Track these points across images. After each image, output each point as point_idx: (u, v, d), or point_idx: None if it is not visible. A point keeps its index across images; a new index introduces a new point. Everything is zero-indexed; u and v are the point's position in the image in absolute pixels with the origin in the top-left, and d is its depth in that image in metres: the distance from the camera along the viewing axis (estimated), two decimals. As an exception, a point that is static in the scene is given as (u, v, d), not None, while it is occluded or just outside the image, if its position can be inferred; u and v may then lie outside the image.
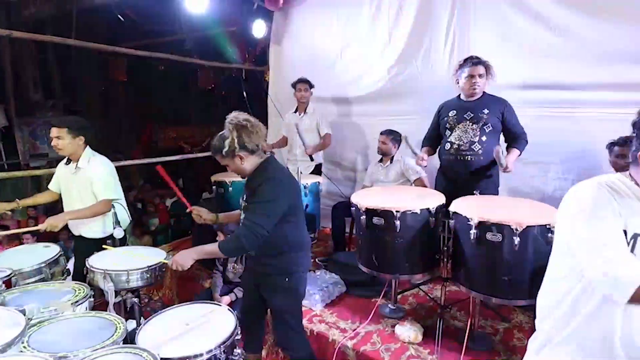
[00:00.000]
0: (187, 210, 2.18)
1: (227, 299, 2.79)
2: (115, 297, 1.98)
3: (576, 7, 2.81)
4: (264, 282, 1.97)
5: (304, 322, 2.53)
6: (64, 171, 2.63)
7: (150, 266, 1.98)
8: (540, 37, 2.97)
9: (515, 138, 2.63)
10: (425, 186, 3.25)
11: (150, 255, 2.11)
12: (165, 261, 1.99)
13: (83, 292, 1.84)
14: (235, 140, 1.75)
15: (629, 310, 1.06)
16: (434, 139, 2.87)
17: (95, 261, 2.02)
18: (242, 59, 5.29)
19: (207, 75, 7.10)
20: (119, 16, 4.58)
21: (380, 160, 3.54)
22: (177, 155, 4.70)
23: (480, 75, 2.55)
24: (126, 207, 2.69)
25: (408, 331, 2.33)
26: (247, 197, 1.85)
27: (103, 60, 7.73)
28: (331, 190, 4.27)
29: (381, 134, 3.46)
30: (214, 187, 3.45)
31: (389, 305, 2.65)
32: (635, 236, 1.03)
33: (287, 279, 1.90)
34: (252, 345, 2.23)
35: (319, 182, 3.42)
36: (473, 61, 2.58)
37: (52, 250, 2.35)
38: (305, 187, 3.19)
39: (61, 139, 2.44)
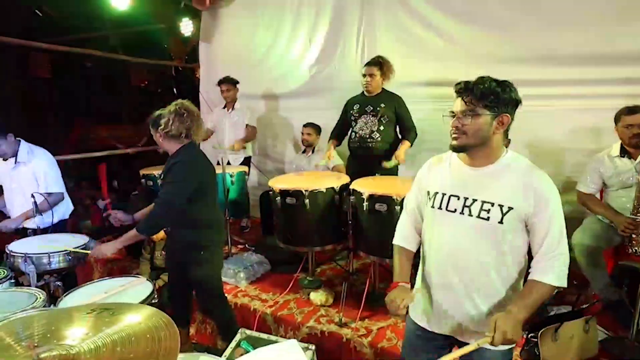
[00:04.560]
0: (105, 214, 2.34)
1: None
2: (38, 280, 2.09)
3: (457, 17, 3.34)
4: (183, 257, 2.17)
5: (230, 297, 2.78)
6: (3, 167, 2.70)
7: (73, 249, 2.11)
8: (432, 42, 3.47)
9: (406, 130, 3.07)
10: (342, 172, 3.63)
11: (73, 240, 2.23)
12: (87, 252, 2.12)
13: (3, 273, 1.94)
14: (169, 122, 1.99)
15: (432, 258, 1.44)
16: (340, 132, 3.27)
17: (16, 246, 2.11)
18: (174, 57, 5.36)
19: (140, 73, 6.99)
20: (36, 11, 4.45)
21: (304, 151, 3.87)
22: (107, 151, 4.67)
23: (371, 75, 2.96)
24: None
25: (320, 296, 2.67)
26: (163, 177, 2.07)
27: (22, 56, 7.28)
28: (262, 182, 4.53)
29: (304, 126, 3.80)
30: (142, 180, 3.55)
31: (307, 277, 2.98)
32: (435, 193, 1.42)
33: (202, 252, 2.13)
34: (179, 320, 2.41)
35: (245, 172, 3.66)
36: (369, 62, 2.98)
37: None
38: (231, 176, 3.41)
39: None
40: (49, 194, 2.67)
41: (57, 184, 2.73)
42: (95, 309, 0.95)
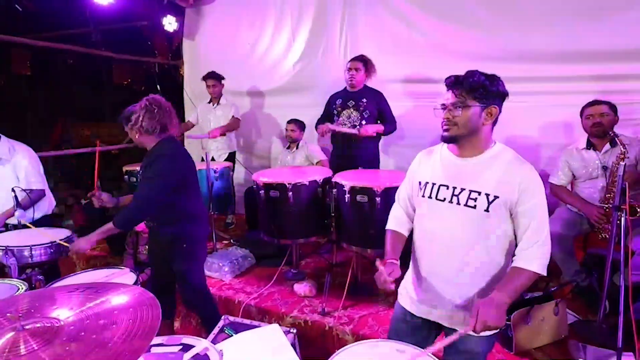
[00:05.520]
0: (89, 194, 2.27)
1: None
2: (20, 274, 2.08)
3: (436, 16, 3.43)
4: (166, 250, 2.17)
5: (214, 290, 2.81)
6: None
7: (54, 242, 2.11)
8: (412, 40, 3.56)
9: (386, 122, 3.15)
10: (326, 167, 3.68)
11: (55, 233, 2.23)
12: (66, 244, 2.12)
13: (-17, 266, 1.93)
14: (140, 118, 1.98)
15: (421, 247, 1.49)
16: (324, 123, 3.32)
17: (-4, 239, 2.10)
18: (158, 54, 5.32)
19: (123, 70, 6.90)
20: (16, 6, 4.38)
21: (288, 147, 3.92)
22: (89, 148, 4.62)
23: (357, 69, 3.03)
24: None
25: (304, 287, 2.72)
26: (143, 171, 2.07)
27: (2, 53, 7.14)
28: (247, 178, 4.55)
29: (288, 123, 3.84)
30: (125, 176, 3.53)
31: (292, 270, 3.02)
32: (425, 183, 1.47)
33: (184, 245, 2.13)
34: (163, 313, 2.42)
35: (229, 167, 3.68)
36: (354, 57, 3.05)
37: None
38: (215, 172, 3.43)
39: None
40: (30, 190, 2.65)
41: (38, 181, 2.71)
42: (79, 287, 0.98)
